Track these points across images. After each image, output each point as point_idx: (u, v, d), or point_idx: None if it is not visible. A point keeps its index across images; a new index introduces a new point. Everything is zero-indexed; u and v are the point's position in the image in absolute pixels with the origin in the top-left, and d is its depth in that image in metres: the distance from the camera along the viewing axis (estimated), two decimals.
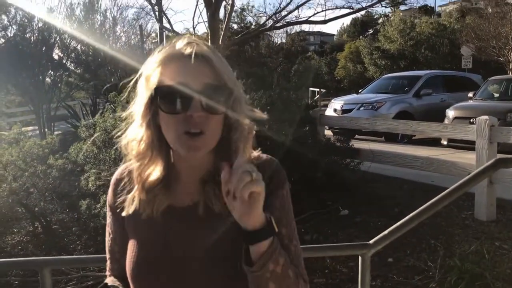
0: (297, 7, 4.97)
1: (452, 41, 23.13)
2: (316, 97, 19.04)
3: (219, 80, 0.94)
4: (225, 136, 1.00)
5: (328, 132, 9.03)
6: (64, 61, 17.65)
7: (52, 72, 16.43)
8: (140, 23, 19.78)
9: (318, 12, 5.09)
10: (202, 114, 0.92)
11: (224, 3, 5.40)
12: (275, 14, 5.14)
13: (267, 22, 5.21)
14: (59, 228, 6.59)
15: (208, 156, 1.02)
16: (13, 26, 18.12)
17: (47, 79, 15.88)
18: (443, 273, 3.65)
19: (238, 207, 0.87)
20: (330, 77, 30.95)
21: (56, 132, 13.69)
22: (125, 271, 1.08)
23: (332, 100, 12.35)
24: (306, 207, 5.09)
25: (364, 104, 10.76)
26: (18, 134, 6.47)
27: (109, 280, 1.17)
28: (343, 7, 4.92)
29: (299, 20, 5.01)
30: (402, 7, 24.71)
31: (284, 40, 30.38)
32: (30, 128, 14.84)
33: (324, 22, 5.01)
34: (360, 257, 1.92)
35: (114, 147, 4.31)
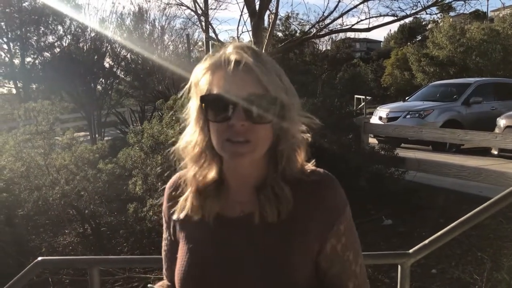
0: (341, 15, 4.96)
1: (505, 47, 22.25)
2: (361, 105, 18.81)
3: (263, 88, 0.93)
4: (275, 145, 1.00)
5: (373, 140, 8.90)
6: (115, 69, 18.29)
7: (103, 80, 17.07)
8: (187, 33, 20.21)
9: (361, 20, 5.06)
10: (245, 124, 0.92)
11: (268, 12, 5.48)
12: (318, 22, 5.14)
13: (310, 30, 5.22)
14: (107, 230, 6.83)
15: (260, 164, 1.01)
16: (68, 36, 19.04)
17: (98, 87, 16.49)
18: (489, 287, 3.53)
19: None
20: (376, 84, 30.49)
21: (106, 138, 14.19)
22: (174, 278, 1.09)
23: (378, 108, 12.15)
24: None
25: (410, 112, 10.52)
26: (71, 139, 6.75)
27: (158, 284, 1.20)
28: (387, 15, 4.87)
29: (343, 28, 5.00)
30: (452, 13, 24.11)
31: (329, 47, 30.21)
32: (82, 133, 15.43)
33: (368, 30, 4.98)
34: (399, 266, 1.91)
35: (162, 153, 4.42)
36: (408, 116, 10.40)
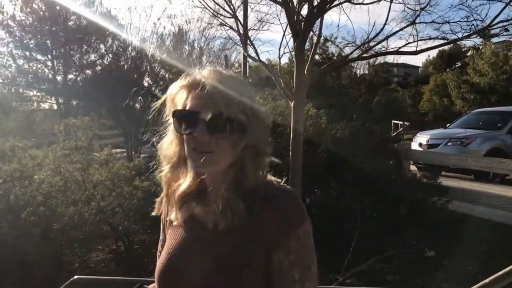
0: (387, 37, 4.82)
1: None
2: (398, 130, 18.44)
3: (225, 108, 1.04)
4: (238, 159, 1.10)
5: (411, 167, 8.64)
6: (153, 89, 18.62)
7: (141, 99, 17.38)
8: (225, 54, 20.48)
9: (409, 43, 4.90)
10: (206, 136, 1.04)
11: (311, 33, 5.42)
12: (363, 44, 5.03)
13: (354, 53, 5.14)
14: (140, 248, 6.80)
15: (230, 170, 1.10)
16: (109, 54, 19.56)
17: (137, 105, 16.79)
18: None
19: None
20: (414, 110, 29.91)
21: (142, 155, 14.34)
22: None
23: (418, 134, 11.84)
24: (389, 245, 4.84)
25: (452, 140, 10.18)
26: (108, 155, 6.81)
27: (151, 285, 1.27)
28: (437, 38, 4.70)
29: (389, 50, 4.88)
30: (495, 39, 23.55)
31: (366, 71, 29.96)
32: (119, 150, 15.68)
33: (416, 53, 4.83)
34: None
35: None
36: (450, 144, 10.07)
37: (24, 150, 5.84)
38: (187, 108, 1.09)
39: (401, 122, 18.67)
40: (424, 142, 10.66)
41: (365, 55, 5.16)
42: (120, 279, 2.79)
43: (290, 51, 5.71)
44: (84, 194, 6.39)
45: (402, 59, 41.43)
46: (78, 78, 19.70)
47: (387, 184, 5.29)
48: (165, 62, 19.66)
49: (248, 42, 5.60)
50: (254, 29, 6.09)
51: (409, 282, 4.35)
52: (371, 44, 5.00)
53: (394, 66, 40.74)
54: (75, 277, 2.32)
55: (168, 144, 1.18)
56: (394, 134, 16.76)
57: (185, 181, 1.15)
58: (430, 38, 4.86)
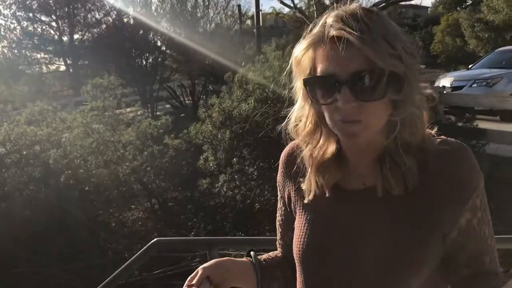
0: None
1: None
2: None
3: (369, 63, 0.84)
4: (394, 114, 0.90)
5: None
6: (159, 44, 18.29)
7: (148, 55, 17.12)
8: (238, 3, 19.95)
9: None
10: (354, 104, 0.85)
11: None
12: None
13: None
14: (174, 205, 6.84)
15: (378, 137, 0.92)
16: (114, 11, 19.13)
17: (144, 62, 16.58)
18: None
19: None
20: (425, 52, 29.30)
21: (157, 113, 14.25)
22: (285, 248, 1.11)
23: (440, 77, 11.55)
24: None
25: (477, 81, 9.89)
26: (135, 115, 6.74)
27: (269, 253, 1.17)
28: None
29: None
30: None
31: None
32: (133, 108, 15.60)
33: None
34: None
35: (231, 128, 4.27)
36: (475, 85, 9.79)
37: (54, 113, 5.76)
38: (318, 71, 0.90)
39: None
40: (448, 84, 10.38)
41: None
42: (196, 239, 2.77)
43: None
44: (115, 154, 6.37)
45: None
46: (84, 38, 19.38)
47: None
48: (169, 16, 19.21)
49: None
50: None
51: None
52: None
53: (402, 7, 39.61)
54: (155, 239, 2.30)
55: (299, 112, 1.00)
56: None
57: (328, 147, 0.99)
58: None
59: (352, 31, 0.84)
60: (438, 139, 0.95)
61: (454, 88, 10.09)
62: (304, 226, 1.03)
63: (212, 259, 1.08)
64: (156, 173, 6.68)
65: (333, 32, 0.86)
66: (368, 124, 0.88)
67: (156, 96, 14.67)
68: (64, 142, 5.80)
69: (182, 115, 12.87)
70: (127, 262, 2.27)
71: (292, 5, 5.21)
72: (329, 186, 0.99)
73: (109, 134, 5.97)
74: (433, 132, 0.98)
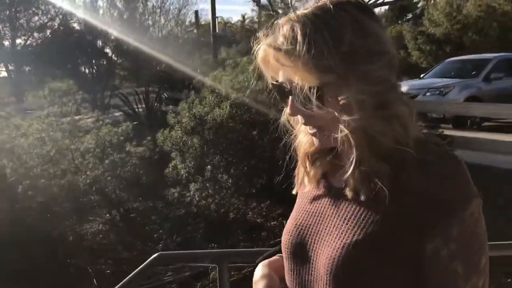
0: None
1: (502, 24, 22.21)
2: None
3: (300, 72, 0.81)
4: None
5: None
6: (106, 51, 17.74)
7: (94, 61, 16.56)
8: (195, 10, 19.78)
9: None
10: (299, 114, 0.87)
11: None
12: None
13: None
14: (137, 216, 6.50)
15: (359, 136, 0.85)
16: (60, 16, 18.36)
17: (91, 70, 16.06)
18: None
19: None
20: None
21: (107, 121, 13.74)
22: None
23: None
24: None
25: (430, 89, 10.28)
26: (95, 121, 6.41)
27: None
28: None
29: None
30: None
31: None
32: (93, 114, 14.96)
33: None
34: None
35: (202, 134, 4.09)
36: (428, 94, 10.16)
37: (7, 119, 5.34)
38: (270, 77, 0.90)
39: None
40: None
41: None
42: (203, 252, 2.59)
43: None
44: (72, 163, 6.00)
45: None
46: (28, 43, 18.42)
47: None
48: (117, 22, 18.75)
49: None
50: None
51: None
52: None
53: None
54: (158, 253, 2.11)
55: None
56: None
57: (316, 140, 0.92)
58: None
59: (274, 50, 0.81)
60: (427, 146, 0.83)
61: (409, 97, 10.40)
62: (290, 219, 1.01)
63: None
64: (117, 183, 6.35)
65: (259, 52, 0.87)
66: (322, 131, 0.86)
67: (107, 104, 14.14)
68: (18, 150, 5.39)
69: (135, 122, 12.47)
70: (127, 278, 2.06)
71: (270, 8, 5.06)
72: (316, 177, 0.97)
73: (68, 142, 5.59)
74: (434, 139, 0.87)
